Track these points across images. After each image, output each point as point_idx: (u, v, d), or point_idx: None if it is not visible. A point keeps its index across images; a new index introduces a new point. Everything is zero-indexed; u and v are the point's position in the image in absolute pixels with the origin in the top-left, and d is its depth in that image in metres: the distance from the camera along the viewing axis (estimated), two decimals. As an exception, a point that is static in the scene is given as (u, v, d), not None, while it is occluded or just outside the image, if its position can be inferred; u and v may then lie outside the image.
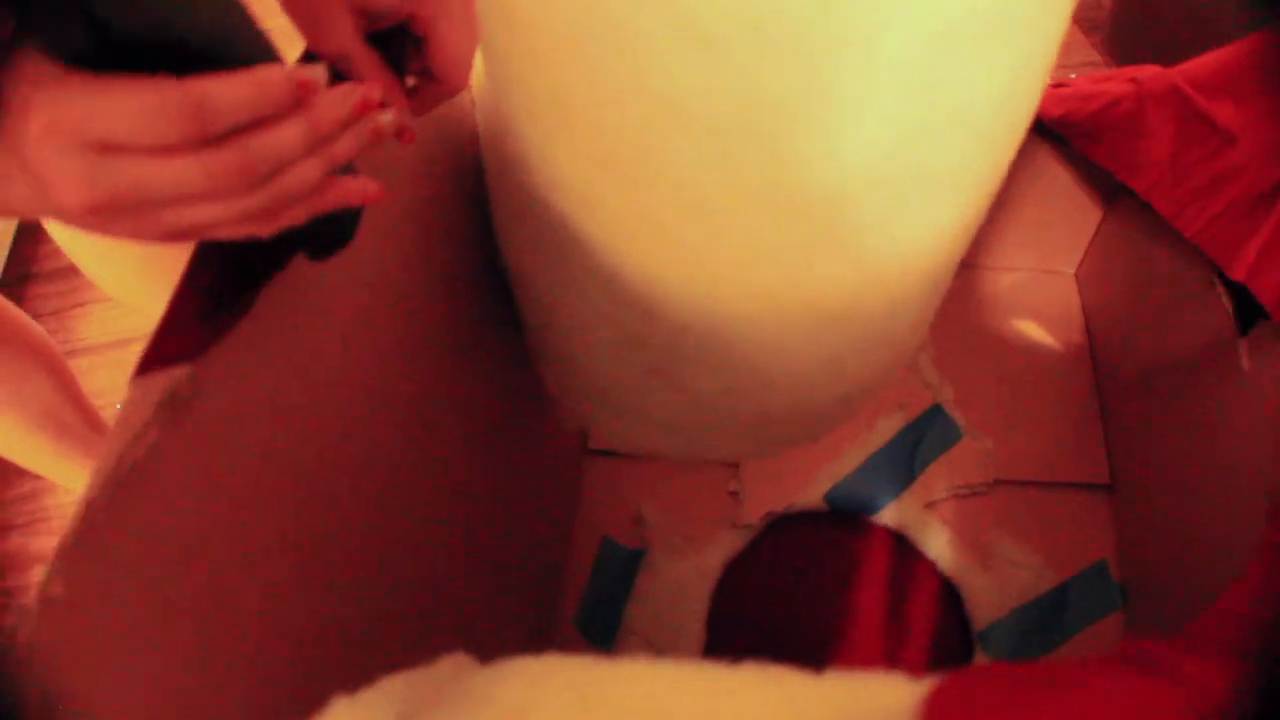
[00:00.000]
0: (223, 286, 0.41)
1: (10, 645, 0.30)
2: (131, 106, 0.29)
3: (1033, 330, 1.02)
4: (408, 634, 0.59)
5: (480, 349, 0.73)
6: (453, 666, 0.43)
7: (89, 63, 0.30)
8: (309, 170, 0.34)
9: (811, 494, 0.92)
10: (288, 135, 0.32)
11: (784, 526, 0.93)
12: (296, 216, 0.35)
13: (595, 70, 0.48)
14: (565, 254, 0.61)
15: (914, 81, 0.46)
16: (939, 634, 0.89)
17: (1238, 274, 0.72)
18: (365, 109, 0.35)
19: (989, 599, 0.89)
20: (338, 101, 0.34)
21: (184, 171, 0.30)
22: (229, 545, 0.42)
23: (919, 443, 0.93)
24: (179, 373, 0.38)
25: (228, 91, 0.30)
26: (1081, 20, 1.36)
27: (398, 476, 0.59)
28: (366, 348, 0.54)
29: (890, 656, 0.88)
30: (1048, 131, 0.84)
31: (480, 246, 0.71)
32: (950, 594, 0.90)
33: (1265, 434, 0.71)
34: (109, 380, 1.16)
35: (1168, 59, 0.77)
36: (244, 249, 0.40)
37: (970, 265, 1.05)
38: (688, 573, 0.89)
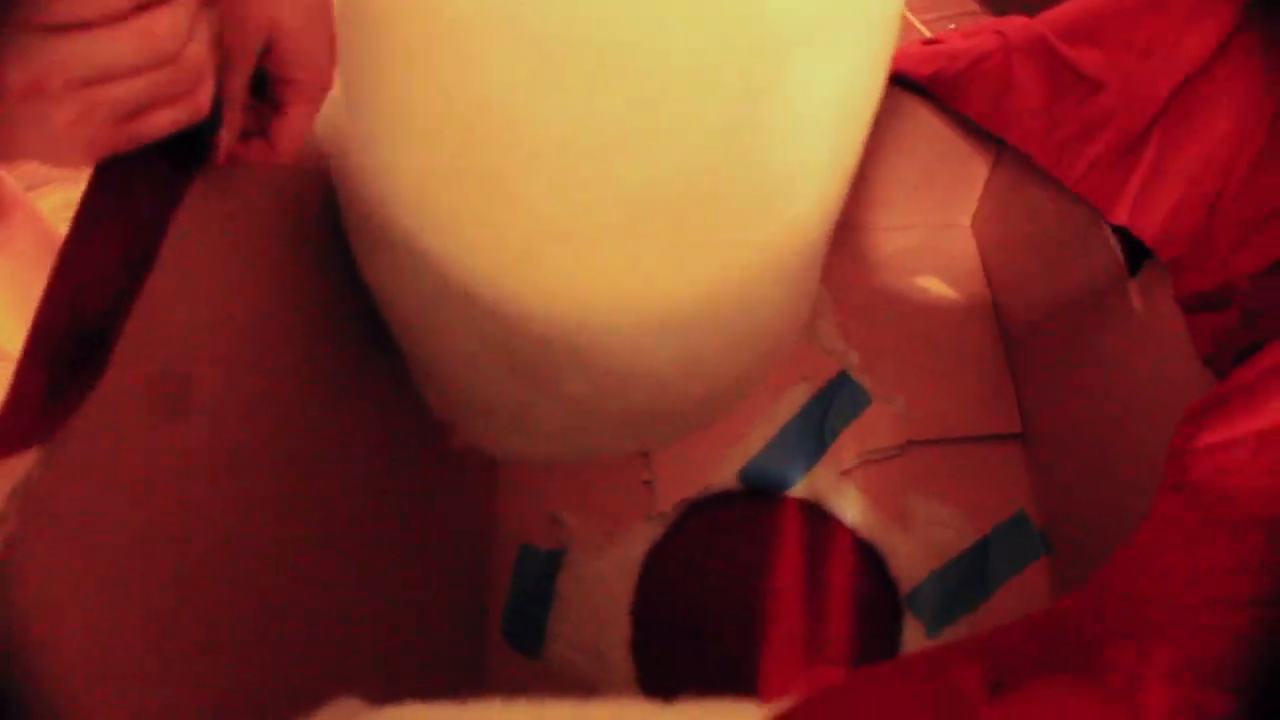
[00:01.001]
0: (71, 352, 0.38)
1: None
2: None
3: (933, 286, 1.01)
4: (324, 672, 0.57)
5: (361, 377, 0.70)
6: (333, 714, 0.42)
7: None
8: (201, 46, 0.38)
9: (725, 475, 0.91)
10: (180, 13, 0.36)
11: (701, 511, 0.92)
12: (207, 94, 0.39)
13: (438, 84, 0.48)
14: (422, 273, 0.59)
15: (752, 91, 0.47)
16: (866, 602, 0.88)
17: (1118, 218, 0.72)
18: None
19: (912, 561, 0.88)
20: None
21: (118, 41, 0.34)
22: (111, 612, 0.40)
23: (827, 412, 0.92)
24: (30, 457, 0.35)
25: None
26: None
27: (286, 518, 0.56)
28: (230, 390, 0.51)
29: (817, 629, 0.87)
30: (923, 90, 0.83)
31: (347, 272, 0.68)
32: (874, 560, 0.90)
33: (1159, 373, 0.72)
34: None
35: (1040, 6, 0.76)
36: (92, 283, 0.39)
37: (864, 227, 1.04)
38: (608, 568, 0.88)
